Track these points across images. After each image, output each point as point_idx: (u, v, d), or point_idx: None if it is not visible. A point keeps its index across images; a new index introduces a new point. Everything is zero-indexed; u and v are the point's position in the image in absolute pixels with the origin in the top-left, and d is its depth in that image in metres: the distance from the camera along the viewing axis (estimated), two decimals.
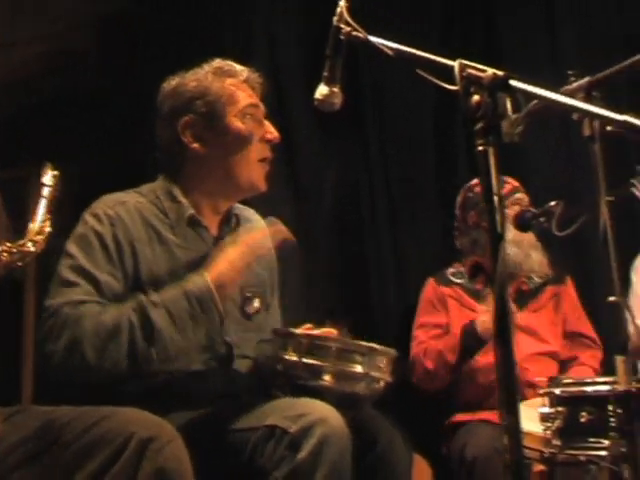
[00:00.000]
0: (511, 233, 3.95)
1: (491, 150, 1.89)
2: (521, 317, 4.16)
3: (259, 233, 2.80)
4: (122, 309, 2.60)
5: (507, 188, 4.17)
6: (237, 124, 2.88)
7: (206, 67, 2.96)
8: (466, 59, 1.94)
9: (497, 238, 1.87)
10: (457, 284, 4.27)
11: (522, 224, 3.26)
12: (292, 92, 4.67)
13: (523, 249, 4.13)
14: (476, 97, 1.91)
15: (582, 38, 5.16)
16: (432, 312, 4.27)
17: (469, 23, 5.17)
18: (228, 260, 2.70)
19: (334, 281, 4.66)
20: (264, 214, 4.20)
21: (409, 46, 2.13)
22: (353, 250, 4.77)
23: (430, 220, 4.91)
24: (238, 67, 2.96)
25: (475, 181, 4.22)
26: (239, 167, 2.88)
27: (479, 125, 1.90)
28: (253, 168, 2.89)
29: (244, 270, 2.70)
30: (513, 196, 4.17)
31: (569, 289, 4.34)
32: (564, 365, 4.25)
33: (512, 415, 1.85)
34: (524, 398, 3.77)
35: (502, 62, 4.81)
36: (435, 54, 2.08)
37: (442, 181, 4.89)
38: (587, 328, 4.27)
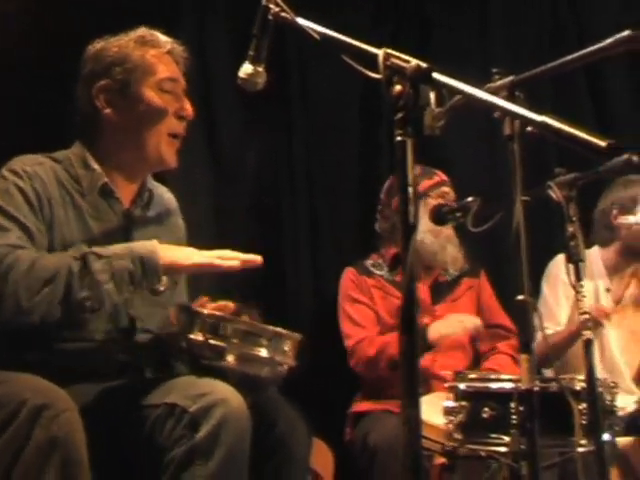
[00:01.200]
0: (430, 224, 3.97)
1: (409, 141, 1.88)
2: (439, 309, 4.19)
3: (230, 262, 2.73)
4: (63, 256, 2.58)
5: (435, 180, 4.20)
6: (151, 95, 2.84)
7: (131, 34, 2.91)
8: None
9: (409, 228, 1.85)
10: (378, 275, 4.25)
11: (438, 218, 3.28)
12: (218, 71, 4.63)
13: (440, 241, 4.15)
14: (398, 87, 1.90)
15: (513, 38, 5.20)
16: (359, 299, 4.23)
17: (402, 21, 5.18)
18: (187, 251, 2.68)
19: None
20: (184, 193, 4.19)
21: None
22: (271, 234, 4.75)
23: (350, 208, 4.91)
24: (162, 38, 2.92)
25: None
26: (149, 139, 2.84)
27: (399, 115, 1.89)
28: (163, 142, 2.85)
29: (194, 268, 2.66)
30: (439, 189, 4.18)
31: (483, 282, 4.38)
32: (482, 356, 4.27)
33: (412, 406, 1.84)
34: (432, 390, 3.80)
35: (434, 60, 4.84)
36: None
37: (365, 168, 4.89)
38: (503, 318, 4.30)
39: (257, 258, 2.68)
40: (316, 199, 4.89)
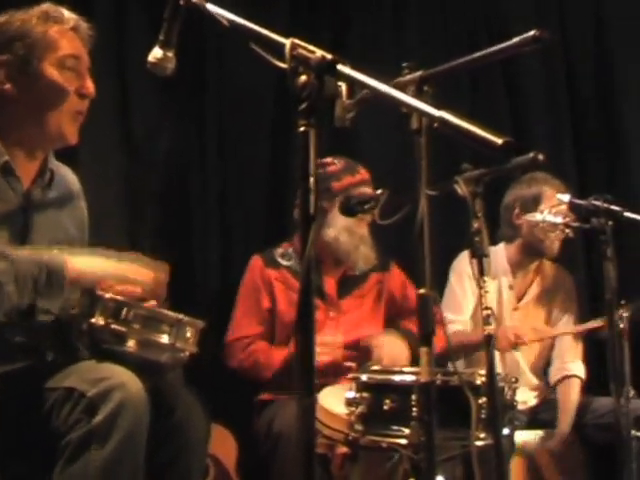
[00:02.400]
0: (347, 221, 3.98)
1: (312, 131, 1.89)
2: (345, 303, 4.19)
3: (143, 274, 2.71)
4: None
5: (357, 178, 4.16)
6: (52, 72, 2.78)
7: (36, 9, 2.85)
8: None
9: (308, 220, 1.86)
10: (284, 266, 4.21)
11: (347, 209, 3.29)
12: (135, 53, 4.58)
13: (354, 240, 4.13)
14: (303, 77, 1.91)
15: (427, 34, 5.25)
16: (257, 297, 4.19)
17: (318, 16, 5.19)
18: (95, 264, 2.65)
19: (158, 250, 4.60)
20: (95, 176, 4.15)
21: None
22: (180, 220, 4.73)
23: (262, 195, 4.90)
24: (67, 14, 2.86)
25: (329, 159, 4.17)
26: (49, 116, 2.79)
27: (303, 105, 1.90)
28: (64, 119, 2.81)
29: (103, 281, 2.62)
30: (359, 188, 4.13)
31: (395, 273, 4.36)
32: None
33: (308, 397, 1.86)
34: (338, 382, 3.81)
35: (351, 52, 4.87)
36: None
37: (278, 156, 4.88)
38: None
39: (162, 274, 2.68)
40: (227, 185, 4.88)
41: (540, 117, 5.35)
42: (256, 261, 4.25)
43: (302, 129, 1.90)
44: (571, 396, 4.37)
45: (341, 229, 4.07)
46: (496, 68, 5.29)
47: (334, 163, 4.13)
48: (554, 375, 4.49)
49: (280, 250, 4.27)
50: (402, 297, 4.31)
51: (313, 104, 1.89)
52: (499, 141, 1.68)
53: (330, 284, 4.16)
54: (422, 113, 1.89)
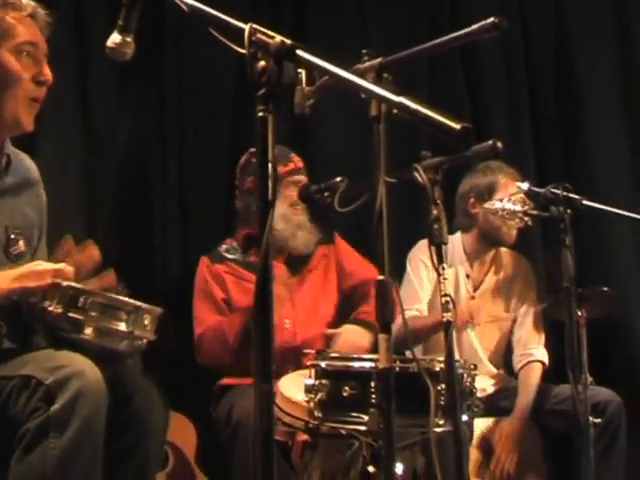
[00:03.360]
0: (282, 209, 3.98)
1: (271, 117, 1.89)
2: (295, 282, 4.19)
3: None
4: None
5: (289, 167, 4.14)
6: (8, 58, 2.77)
7: None
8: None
9: (266, 206, 1.86)
10: (231, 260, 4.20)
11: (306, 197, 3.28)
12: (93, 41, 4.56)
13: (290, 227, 4.12)
14: (262, 63, 1.90)
15: (388, 20, 5.25)
16: (210, 291, 4.17)
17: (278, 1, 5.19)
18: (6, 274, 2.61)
19: (117, 237, 4.59)
20: (54, 161, 4.13)
21: None
22: (139, 206, 4.71)
23: (221, 180, 4.88)
24: (25, 1, 2.84)
25: None
26: (6, 103, 2.77)
27: (262, 91, 1.89)
28: (20, 106, 2.79)
29: (16, 289, 2.59)
30: (292, 176, 4.12)
31: (339, 245, 4.35)
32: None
33: (266, 383, 1.86)
34: (300, 365, 3.81)
35: (310, 42, 4.85)
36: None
37: (238, 142, 4.85)
38: (368, 272, 4.14)
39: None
40: (187, 171, 4.87)
41: (499, 104, 5.35)
42: (204, 261, 4.25)
43: (260, 115, 1.89)
44: (532, 379, 4.38)
45: (277, 217, 4.05)
46: (455, 55, 5.29)
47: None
48: (518, 362, 4.49)
49: (224, 246, 4.27)
50: (351, 268, 4.30)
51: (272, 90, 1.89)
52: (457, 126, 1.68)
53: (279, 267, 4.14)
54: (381, 99, 1.89)
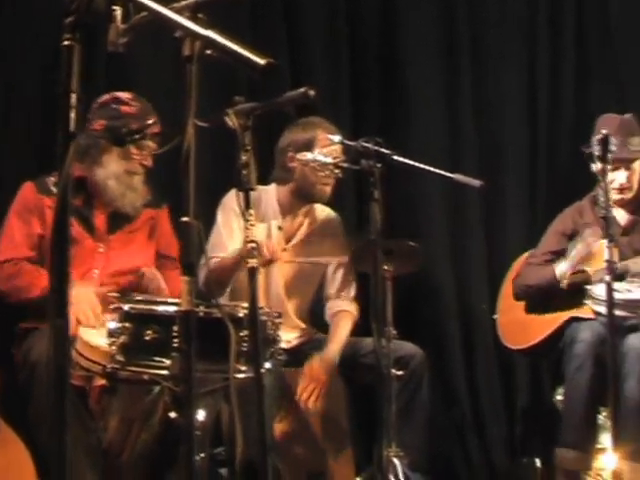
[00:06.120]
0: (118, 168, 3.92)
1: (77, 47, 1.84)
2: (114, 238, 4.12)
3: None
4: None
5: (146, 124, 3.97)
6: None
7: None
8: None
9: (68, 137, 1.82)
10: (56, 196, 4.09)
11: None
12: None
13: (121, 187, 4.03)
14: None
15: None
16: (28, 221, 4.03)
17: None
18: None
19: None
20: None
21: None
22: None
23: (34, 115, 4.72)
24: None
25: (125, 95, 4.04)
26: None
27: (69, 19, 1.85)
28: None
29: None
30: (146, 141, 3.98)
31: (164, 215, 4.29)
32: None
33: (60, 318, 1.83)
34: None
35: None
36: None
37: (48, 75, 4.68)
38: (175, 251, 4.14)
39: None
40: None
41: (319, 55, 5.37)
42: (28, 187, 4.09)
43: (66, 43, 1.84)
44: (342, 329, 4.41)
45: (110, 174, 3.97)
46: (277, 4, 5.28)
47: (128, 104, 4.00)
48: (329, 313, 4.54)
49: (53, 179, 4.06)
50: (163, 240, 4.27)
51: (80, 18, 1.84)
52: (262, 61, 1.68)
53: (100, 219, 4.06)
54: (189, 32, 1.87)
